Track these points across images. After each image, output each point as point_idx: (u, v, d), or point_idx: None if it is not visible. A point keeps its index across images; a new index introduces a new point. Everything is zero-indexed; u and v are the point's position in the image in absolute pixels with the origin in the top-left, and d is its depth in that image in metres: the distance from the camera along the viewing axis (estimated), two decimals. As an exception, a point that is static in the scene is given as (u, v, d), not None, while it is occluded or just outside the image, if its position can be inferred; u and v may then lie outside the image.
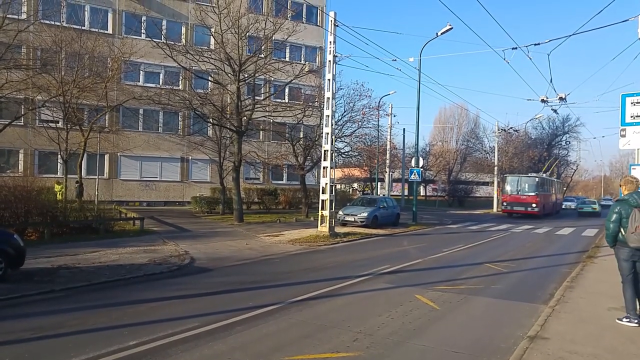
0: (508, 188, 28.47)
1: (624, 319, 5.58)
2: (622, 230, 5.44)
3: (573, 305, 6.47)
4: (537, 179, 28.92)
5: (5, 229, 8.81)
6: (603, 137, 56.22)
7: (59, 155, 19.27)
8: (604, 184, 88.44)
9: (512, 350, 4.72)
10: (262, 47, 18.61)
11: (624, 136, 9.78)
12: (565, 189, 65.69)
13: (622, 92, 9.26)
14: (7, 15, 15.14)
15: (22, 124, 20.68)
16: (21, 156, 22.10)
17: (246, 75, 18.32)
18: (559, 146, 52.38)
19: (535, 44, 13.19)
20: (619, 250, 5.60)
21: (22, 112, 19.14)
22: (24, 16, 18.86)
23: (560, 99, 17.55)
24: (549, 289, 7.78)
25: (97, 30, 21.20)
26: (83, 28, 20.47)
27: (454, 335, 5.31)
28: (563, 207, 38.38)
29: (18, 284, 7.14)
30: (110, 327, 5.28)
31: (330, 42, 14.91)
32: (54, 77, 17.13)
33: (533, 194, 27.14)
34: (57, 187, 15.47)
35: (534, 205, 26.66)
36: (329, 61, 15.02)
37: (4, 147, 21.03)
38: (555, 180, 36.66)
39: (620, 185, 5.83)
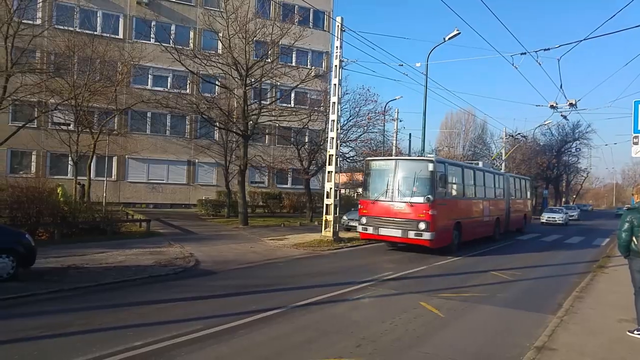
0: (373, 186, 13.11)
1: (635, 332, 5.48)
2: (634, 239, 5.32)
3: (582, 315, 6.38)
4: (434, 163, 12.16)
5: (17, 229, 8.95)
6: (615, 144, 55.40)
7: (70, 157, 19.55)
8: (615, 192, 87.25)
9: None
10: (269, 52, 18.75)
11: (636, 144, 9.63)
12: (575, 196, 65.05)
13: (635, 98, 9.14)
14: (23, 21, 15.46)
15: (35, 126, 21.01)
16: (34, 158, 22.47)
17: (253, 80, 18.46)
18: (569, 153, 51.81)
19: (545, 49, 13.07)
20: (632, 261, 5.48)
21: (36, 115, 19.46)
22: (38, 22, 19.22)
23: (571, 105, 17.39)
24: (557, 299, 7.69)
25: (108, 35, 21.56)
26: (95, 33, 20.80)
27: (458, 343, 5.28)
28: (545, 220, 28.59)
29: (29, 283, 7.25)
30: (116, 327, 5.33)
31: (337, 47, 14.97)
32: (66, 80, 17.41)
33: (421, 200, 11.90)
34: (59, 190, 15.68)
35: (421, 225, 11.76)
36: (335, 66, 15.08)
37: (17, 148, 21.39)
38: (515, 177, 21.69)
39: (633, 194, 5.76)
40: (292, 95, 24.42)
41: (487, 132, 48.47)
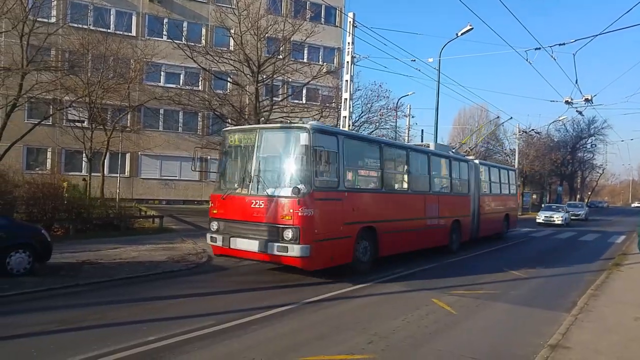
0: (230, 172, 8.88)
1: (651, 330, 5.33)
2: None
3: (597, 314, 6.26)
4: (309, 134, 7.45)
5: (33, 225, 9.14)
6: (632, 140, 54.09)
7: (84, 154, 19.86)
8: (632, 188, 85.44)
9: (532, 358, 4.62)
10: (281, 49, 18.74)
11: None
12: (590, 193, 63.92)
13: (652, 93, 8.88)
14: (38, 19, 15.70)
15: (50, 123, 21.37)
16: (49, 154, 22.89)
17: (264, 77, 18.48)
18: (584, 149, 50.86)
19: (560, 44, 12.86)
20: None
21: (51, 112, 19.80)
22: (53, 20, 19.51)
23: (586, 100, 17.03)
24: (571, 297, 7.56)
25: (121, 32, 21.82)
26: (108, 31, 21.05)
27: (471, 341, 5.22)
28: (542, 220, 25.05)
29: (45, 278, 7.40)
30: (129, 322, 5.41)
31: (349, 42, 14.90)
32: (80, 78, 17.66)
33: (287, 193, 7.39)
34: (64, 184, 15.99)
35: (287, 233, 7.29)
36: (347, 62, 15.01)
37: (33, 145, 21.82)
38: (492, 166, 16.73)
39: None
40: (304, 91, 24.40)
41: (500, 128, 47.78)
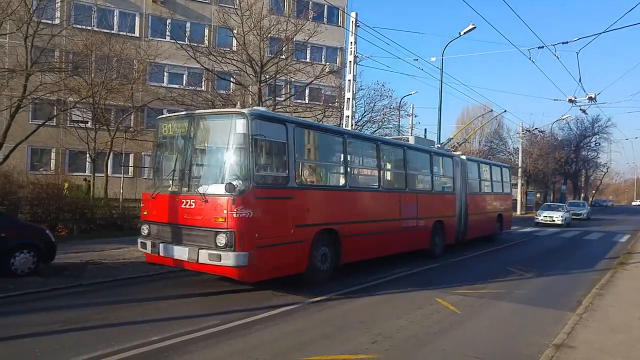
0: (166, 166, 7.48)
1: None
2: None
3: (603, 313, 6.21)
4: (247, 120, 6.32)
5: (38, 225, 9.19)
6: (636, 138, 53.86)
7: (88, 154, 19.96)
8: (636, 187, 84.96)
9: (537, 358, 4.59)
10: (284, 49, 18.75)
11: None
12: (594, 191, 63.56)
13: (657, 91, 8.83)
14: (42, 21, 15.77)
15: (54, 124, 21.49)
16: (53, 155, 23.02)
17: (267, 77, 18.49)
18: (588, 148, 50.62)
19: (563, 43, 12.87)
20: None
21: (55, 113, 19.90)
22: (57, 21, 19.60)
23: (590, 98, 16.96)
24: (576, 296, 7.51)
25: (125, 33, 21.90)
26: (112, 32, 21.14)
27: (475, 340, 5.20)
28: (541, 219, 24.11)
29: (49, 278, 7.44)
30: (133, 322, 5.42)
31: (351, 42, 14.89)
32: (84, 79, 17.74)
33: (220, 191, 6.21)
34: (66, 185, 16.07)
35: (220, 238, 6.12)
36: (350, 62, 15.01)
37: (37, 146, 21.94)
38: (481, 162, 15.89)
39: None
40: (307, 91, 24.39)
41: (503, 126, 47.64)
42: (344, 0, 29.61)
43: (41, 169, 21.48)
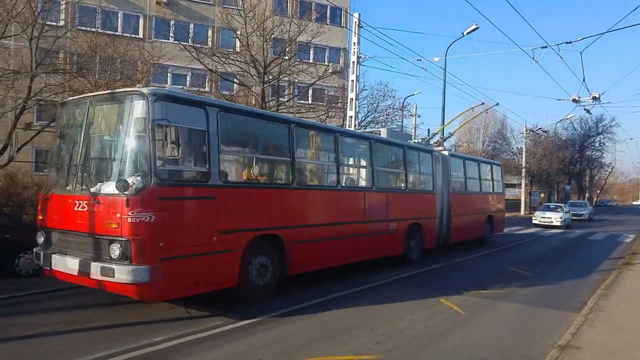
0: (65, 160, 6.05)
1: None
2: None
3: (608, 313, 6.17)
4: (147, 102, 5.12)
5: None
6: (641, 138, 53.54)
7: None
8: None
9: (541, 358, 4.57)
10: (287, 49, 18.78)
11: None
12: (599, 191, 63.20)
13: (662, 91, 8.77)
14: (47, 23, 15.88)
15: (58, 125, 21.61)
16: (57, 156, 23.12)
17: (271, 77, 18.52)
18: (592, 147, 50.34)
19: (567, 42, 12.80)
20: None
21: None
22: (62, 23, 19.72)
23: (594, 98, 16.88)
24: (580, 297, 7.47)
25: (129, 35, 22.00)
26: (116, 33, 21.23)
27: (479, 341, 5.18)
28: (539, 221, 22.72)
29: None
30: (137, 322, 5.44)
31: (354, 43, 14.89)
32: (88, 80, 17.80)
33: (112, 190, 5.09)
34: None
35: (114, 249, 5.01)
36: (353, 62, 15.01)
37: (42, 148, 22.04)
38: (467, 159, 14.37)
39: None
40: (310, 92, 24.43)
41: (507, 127, 47.49)
42: (347, 1, 29.64)
43: (46, 170, 21.60)
